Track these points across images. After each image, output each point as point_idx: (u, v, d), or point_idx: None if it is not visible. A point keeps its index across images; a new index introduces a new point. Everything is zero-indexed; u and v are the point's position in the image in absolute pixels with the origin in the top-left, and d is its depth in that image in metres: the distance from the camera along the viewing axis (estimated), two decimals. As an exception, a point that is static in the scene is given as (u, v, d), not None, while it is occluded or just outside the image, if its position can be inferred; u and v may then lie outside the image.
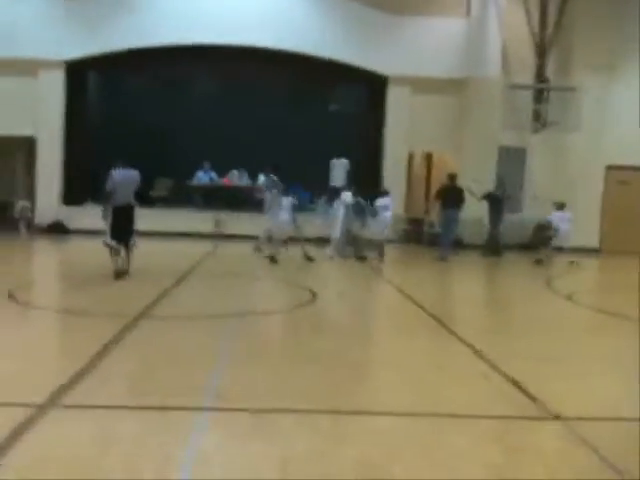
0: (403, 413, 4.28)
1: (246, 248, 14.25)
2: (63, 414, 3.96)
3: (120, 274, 9.18)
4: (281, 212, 12.42)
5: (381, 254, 13.00)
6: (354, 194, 13.47)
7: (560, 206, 14.26)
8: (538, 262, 13.84)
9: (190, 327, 6.67)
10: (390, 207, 13.56)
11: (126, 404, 4.19)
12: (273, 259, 11.88)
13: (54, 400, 4.11)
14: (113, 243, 9.18)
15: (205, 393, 4.45)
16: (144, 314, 6.90)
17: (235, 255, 14.11)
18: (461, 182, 14.80)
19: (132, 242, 9.44)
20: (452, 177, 14.43)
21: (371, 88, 17.60)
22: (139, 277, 9.66)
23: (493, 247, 15.10)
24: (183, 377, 4.81)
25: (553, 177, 16.59)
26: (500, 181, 15.60)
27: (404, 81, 16.58)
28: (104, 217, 9.43)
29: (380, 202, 13.41)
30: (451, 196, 14.06)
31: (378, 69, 16.75)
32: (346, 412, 4.24)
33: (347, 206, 13.22)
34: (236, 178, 17.92)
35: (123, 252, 9.40)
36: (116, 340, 5.71)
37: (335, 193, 14.89)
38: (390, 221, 13.72)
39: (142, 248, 10.44)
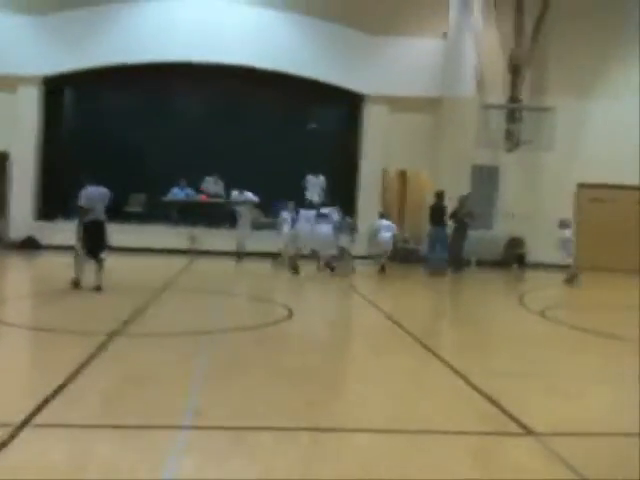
0: (380, 430, 4.28)
1: (220, 264, 14.23)
2: (36, 434, 3.89)
3: (77, 284, 9.53)
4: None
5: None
6: (339, 212, 13.74)
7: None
8: (569, 281, 13.66)
9: (165, 344, 6.62)
10: (392, 229, 14.23)
11: (101, 423, 4.13)
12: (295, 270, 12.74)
13: (27, 420, 4.03)
14: (81, 251, 9.59)
15: (182, 412, 4.40)
16: (118, 331, 6.82)
17: (210, 271, 14.05)
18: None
19: (102, 256, 9.62)
20: (438, 195, 14.73)
21: (348, 106, 17.79)
22: (113, 293, 9.56)
23: (456, 263, 15.14)
24: (159, 395, 4.76)
25: (526, 195, 16.85)
26: (462, 201, 15.67)
27: (381, 100, 16.78)
28: (78, 234, 9.77)
29: (384, 223, 14.15)
30: (437, 214, 14.38)
31: (356, 88, 16.94)
32: (324, 429, 4.24)
33: (334, 223, 13.52)
34: (211, 186, 17.75)
35: (93, 266, 9.64)
36: (90, 358, 5.63)
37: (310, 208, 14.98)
38: (391, 240, 14.27)
39: (116, 264, 10.41)
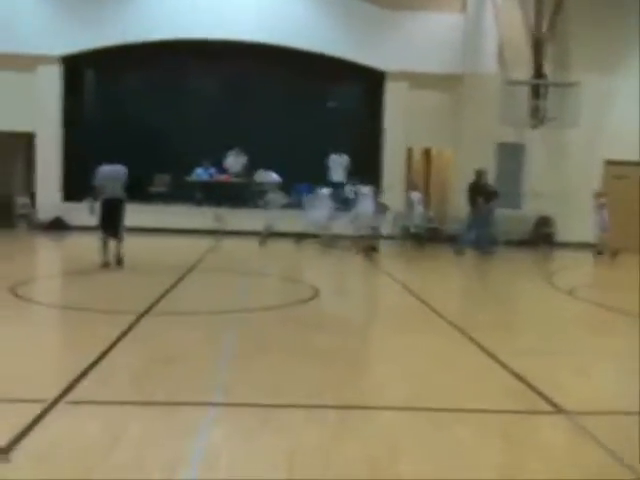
0: (407, 407, 4.30)
1: (246, 244, 14.28)
2: (70, 410, 3.97)
3: (106, 264, 9.78)
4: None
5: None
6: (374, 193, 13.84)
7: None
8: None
9: (193, 324, 6.68)
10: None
11: (133, 400, 4.21)
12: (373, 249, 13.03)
13: (60, 396, 4.12)
14: (101, 234, 9.84)
15: (210, 389, 4.46)
16: (147, 311, 6.90)
17: (236, 251, 14.12)
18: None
19: (120, 237, 9.90)
20: (479, 173, 14.56)
21: (369, 84, 17.61)
22: (140, 274, 9.66)
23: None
24: (187, 373, 4.82)
25: (552, 172, 16.63)
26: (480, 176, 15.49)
27: (401, 76, 16.57)
28: (91, 212, 10.02)
29: (414, 196, 14.49)
30: (477, 193, 14.27)
31: (375, 65, 16.75)
32: (352, 407, 4.27)
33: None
34: (233, 160, 17.70)
35: (112, 244, 9.89)
36: (120, 337, 5.71)
37: (335, 188, 14.97)
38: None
39: (142, 244, 10.50)
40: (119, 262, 9.91)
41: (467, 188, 14.55)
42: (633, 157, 16.63)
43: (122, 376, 4.67)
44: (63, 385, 4.29)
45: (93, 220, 10.07)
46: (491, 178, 15.79)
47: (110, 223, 9.82)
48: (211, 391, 4.42)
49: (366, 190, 13.50)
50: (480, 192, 14.37)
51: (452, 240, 15.34)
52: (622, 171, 16.97)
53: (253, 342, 5.92)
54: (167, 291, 8.20)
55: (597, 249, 14.64)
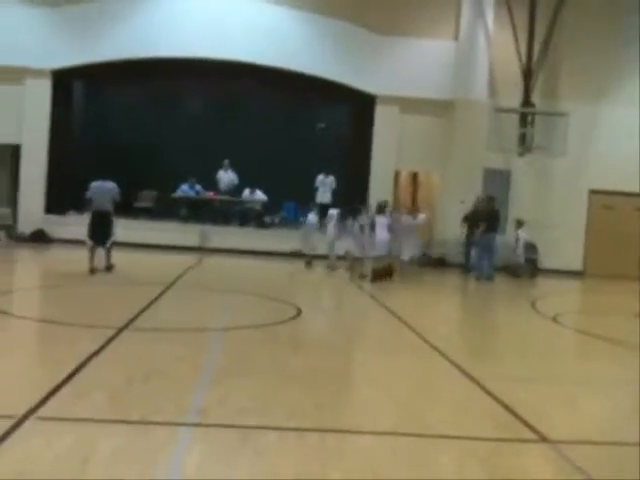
0: (389, 432, 4.20)
1: (230, 262, 14.19)
2: (39, 426, 3.84)
3: (93, 271, 10.46)
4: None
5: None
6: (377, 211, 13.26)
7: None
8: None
9: (173, 340, 6.56)
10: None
11: (106, 418, 4.08)
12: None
13: (30, 412, 3.98)
14: (89, 242, 10.60)
15: (188, 408, 4.35)
16: (127, 325, 6.77)
17: (219, 268, 14.00)
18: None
19: (108, 242, 10.74)
20: (490, 199, 14.59)
21: (359, 107, 17.68)
22: (123, 288, 9.53)
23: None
24: (166, 391, 4.70)
25: (537, 200, 16.73)
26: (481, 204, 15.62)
27: (392, 101, 16.66)
28: (82, 212, 11.39)
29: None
30: (491, 219, 14.24)
31: (367, 88, 16.83)
32: (332, 430, 4.16)
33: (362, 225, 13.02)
34: (224, 175, 17.64)
35: (101, 252, 10.71)
36: (98, 351, 5.58)
37: (322, 210, 14.90)
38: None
39: (126, 259, 10.40)
40: (108, 268, 10.75)
41: (485, 215, 14.52)
42: (618, 187, 16.78)
43: (97, 393, 4.53)
44: (35, 401, 4.16)
45: (77, 233, 10.15)
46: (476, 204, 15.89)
47: (99, 233, 10.64)
48: (188, 411, 4.30)
49: (382, 218, 12.74)
50: (493, 218, 14.39)
51: (441, 264, 15.37)
52: (608, 201, 17.11)
53: (233, 361, 5.81)
54: (148, 306, 8.07)
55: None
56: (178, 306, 8.82)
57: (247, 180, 17.38)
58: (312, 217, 14.19)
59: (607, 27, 16.47)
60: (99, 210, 10.81)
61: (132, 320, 7.09)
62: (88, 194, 10.92)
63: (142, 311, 7.71)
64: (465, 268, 15.27)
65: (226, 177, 17.54)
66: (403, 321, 8.36)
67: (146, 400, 4.46)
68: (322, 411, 4.53)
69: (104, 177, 11.14)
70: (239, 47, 16.13)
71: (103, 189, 10.92)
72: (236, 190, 17.50)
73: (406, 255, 13.35)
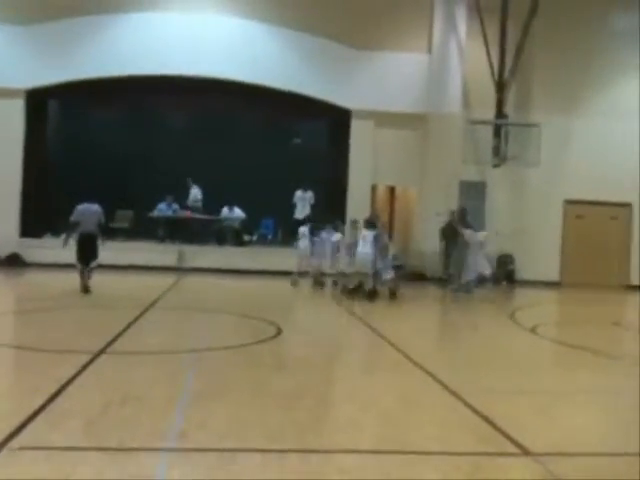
0: (371, 451, 4.17)
1: (208, 281, 14.08)
2: (13, 456, 3.74)
3: (86, 289, 10.92)
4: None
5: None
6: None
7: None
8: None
9: (151, 363, 6.46)
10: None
11: (83, 445, 3.99)
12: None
13: (5, 442, 3.88)
14: (79, 265, 10.99)
15: (167, 433, 4.27)
16: (103, 350, 6.66)
17: (198, 288, 13.89)
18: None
19: (93, 264, 11.08)
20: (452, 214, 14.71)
21: (335, 121, 17.77)
22: (98, 311, 9.40)
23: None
24: (143, 416, 4.62)
25: (513, 211, 16.89)
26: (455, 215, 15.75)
27: (367, 115, 16.76)
28: (64, 244, 11.22)
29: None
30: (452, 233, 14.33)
31: (342, 103, 16.92)
32: (313, 451, 4.11)
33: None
34: (194, 194, 17.61)
35: (86, 272, 11.04)
36: (74, 377, 5.48)
37: (298, 225, 14.91)
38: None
39: (103, 281, 10.27)
40: (86, 290, 10.94)
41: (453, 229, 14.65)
42: (592, 197, 17.01)
43: (73, 420, 4.44)
44: (8, 430, 4.05)
45: (54, 257, 10.04)
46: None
47: (85, 255, 10.99)
48: (167, 436, 4.22)
49: (368, 233, 12.06)
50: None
51: (420, 278, 15.40)
52: (581, 211, 17.33)
53: (212, 382, 5.74)
54: (125, 330, 7.96)
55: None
56: (156, 328, 8.71)
57: (225, 198, 17.34)
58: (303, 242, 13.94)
59: (578, 38, 16.78)
60: (86, 232, 11.06)
61: (109, 344, 6.98)
62: (74, 217, 11.11)
63: (119, 335, 7.59)
64: (444, 281, 15.32)
65: (192, 194, 17.53)
66: (383, 337, 8.34)
67: (123, 426, 4.38)
68: (303, 431, 4.48)
69: (80, 198, 11.33)
70: (214, 63, 16.15)
71: (89, 212, 11.15)
72: (203, 206, 17.50)
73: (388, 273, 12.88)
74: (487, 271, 13.96)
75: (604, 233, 17.28)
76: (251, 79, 16.33)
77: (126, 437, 4.14)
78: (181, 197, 17.46)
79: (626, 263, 17.44)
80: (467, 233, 13.86)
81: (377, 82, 16.74)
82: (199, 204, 17.63)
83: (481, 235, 14.06)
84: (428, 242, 16.04)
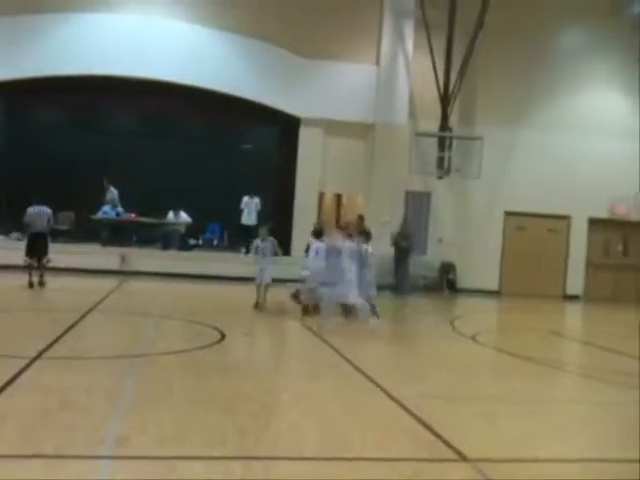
0: (314, 457, 4.19)
1: (152, 285, 13.86)
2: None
3: (31, 285, 11.96)
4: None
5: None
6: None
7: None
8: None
9: (91, 368, 6.34)
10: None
11: (18, 453, 3.88)
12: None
13: None
14: (27, 259, 12.11)
15: (106, 439, 4.19)
16: (41, 354, 6.49)
17: (141, 292, 13.66)
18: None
19: (46, 260, 12.24)
20: (361, 218, 14.72)
21: (284, 128, 17.81)
22: (38, 315, 9.15)
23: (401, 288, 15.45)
24: (81, 422, 4.52)
25: (456, 221, 17.26)
26: (404, 228, 16.06)
27: (316, 123, 16.86)
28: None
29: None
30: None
31: (291, 110, 16.97)
32: (256, 457, 4.11)
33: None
34: (111, 195, 17.20)
35: (36, 266, 12.10)
36: (9, 383, 5.32)
37: (246, 232, 14.83)
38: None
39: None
40: (41, 284, 12.08)
41: (399, 236, 14.81)
42: (531, 209, 17.54)
43: (8, 426, 4.32)
44: (-61, 437, 3.91)
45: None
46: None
47: (37, 252, 12.13)
48: (106, 442, 4.14)
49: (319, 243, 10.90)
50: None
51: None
52: (521, 222, 17.84)
53: (153, 388, 5.66)
54: (64, 334, 7.77)
55: None
56: (96, 332, 8.54)
57: (171, 201, 17.12)
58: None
59: (522, 55, 17.26)
60: (36, 232, 12.25)
61: (47, 348, 6.80)
62: (26, 218, 12.32)
63: (58, 339, 7.41)
64: (395, 288, 15.52)
65: (108, 195, 17.09)
66: (327, 343, 8.39)
67: (61, 432, 4.27)
68: (246, 438, 4.47)
69: (22, 198, 12.45)
70: (161, 65, 15.97)
71: (39, 213, 12.31)
72: (149, 209, 17.15)
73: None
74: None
75: (543, 244, 17.83)
76: (200, 83, 16.20)
77: (64, 444, 4.05)
78: (130, 199, 17.06)
79: (563, 274, 18.04)
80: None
81: (326, 91, 16.86)
82: (116, 204, 17.13)
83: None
84: (375, 250, 16.20)
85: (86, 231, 16.80)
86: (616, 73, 17.91)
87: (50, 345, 6.99)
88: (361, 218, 13.83)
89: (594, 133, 17.64)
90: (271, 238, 11.40)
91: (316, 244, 10.85)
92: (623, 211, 18.08)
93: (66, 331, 7.93)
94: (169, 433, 4.41)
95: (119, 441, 4.19)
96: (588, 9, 17.49)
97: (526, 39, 17.29)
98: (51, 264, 12.65)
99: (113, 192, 17.07)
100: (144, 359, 6.87)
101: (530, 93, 17.52)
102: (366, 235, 11.11)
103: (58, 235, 16.22)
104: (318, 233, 11.38)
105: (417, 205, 17.27)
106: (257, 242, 11.40)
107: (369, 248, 10.74)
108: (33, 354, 6.38)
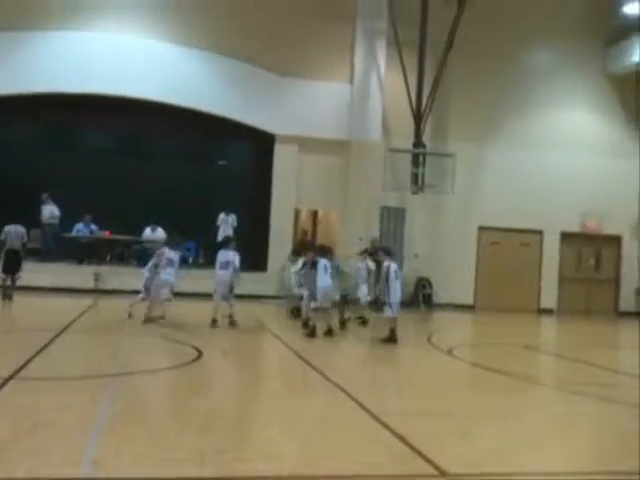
0: (292, 476, 4.16)
1: (128, 303, 13.67)
2: None
3: (9, 297, 12.96)
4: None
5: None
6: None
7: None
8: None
9: (65, 388, 6.23)
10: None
11: (-10, 476, 3.80)
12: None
13: None
14: (2, 275, 13.04)
15: (81, 460, 4.12)
16: (13, 375, 6.37)
17: (116, 311, 13.48)
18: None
19: (17, 275, 13.12)
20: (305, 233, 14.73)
21: (259, 145, 17.85)
22: (10, 335, 8.98)
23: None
24: (55, 443, 4.44)
25: (430, 236, 17.40)
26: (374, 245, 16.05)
27: (291, 140, 16.95)
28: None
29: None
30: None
31: (266, 127, 17.04)
32: (234, 477, 4.07)
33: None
34: (50, 211, 16.74)
35: (9, 282, 13.03)
36: (-20, 405, 5.22)
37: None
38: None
39: (15, 303, 9.75)
40: (10, 297, 12.94)
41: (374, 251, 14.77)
42: (504, 224, 17.76)
43: (-21, 449, 4.22)
44: None
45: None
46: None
47: (11, 267, 13.02)
48: (80, 463, 4.07)
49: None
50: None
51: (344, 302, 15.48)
52: (494, 237, 18.04)
53: (129, 407, 5.59)
54: (37, 354, 7.64)
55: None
56: (70, 352, 8.41)
57: (147, 218, 17.01)
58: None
59: (492, 73, 17.61)
60: (11, 249, 13.11)
61: (19, 369, 6.67)
62: (2, 236, 13.16)
63: (31, 359, 7.28)
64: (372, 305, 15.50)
65: (47, 210, 16.72)
66: (304, 359, 8.37)
67: (34, 454, 4.19)
68: (223, 457, 4.42)
69: (16, 221, 13.37)
70: (137, 84, 15.95)
71: (15, 232, 13.20)
72: (125, 226, 16.97)
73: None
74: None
75: (516, 259, 18.03)
76: (174, 101, 16.21)
77: (36, 465, 3.97)
78: (107, 217, 16.86)
79: (537, 288, 18.26)
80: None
81: (301, 108, 16.97)
82: (55, 221, 16.79)
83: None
84: (351, 265, 16.23)
85: (59, 249, 16.59)
86: (583, 91, 18.32)
87: (22, 366, 6.86)
88: (305, 233, 13.96)
89: (564, 149, 18.00)
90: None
91: (323, 261, 10.60)
92: (594, 226, 18.40)
93: (39, 351, 7.80)
94: (144, 453, 4.35)
95: (94, 462, 4.12)
96: (557, 30, 17.90)
97: (495, 59, 17.62)
98: (23, 283, 12.65)
99: (52, 209, 16.54)
100: (120, 378, 6.78)
101: (501, 110, 17.83)
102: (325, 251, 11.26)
103: (29, 253, 16.01)
104: (298, 252, 11.32)
105: (392, 220, 17.38)
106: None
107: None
108: (5, 375, 6.26)
